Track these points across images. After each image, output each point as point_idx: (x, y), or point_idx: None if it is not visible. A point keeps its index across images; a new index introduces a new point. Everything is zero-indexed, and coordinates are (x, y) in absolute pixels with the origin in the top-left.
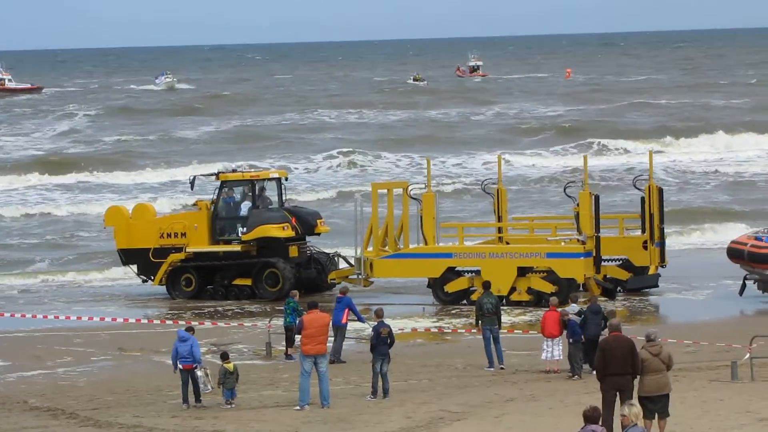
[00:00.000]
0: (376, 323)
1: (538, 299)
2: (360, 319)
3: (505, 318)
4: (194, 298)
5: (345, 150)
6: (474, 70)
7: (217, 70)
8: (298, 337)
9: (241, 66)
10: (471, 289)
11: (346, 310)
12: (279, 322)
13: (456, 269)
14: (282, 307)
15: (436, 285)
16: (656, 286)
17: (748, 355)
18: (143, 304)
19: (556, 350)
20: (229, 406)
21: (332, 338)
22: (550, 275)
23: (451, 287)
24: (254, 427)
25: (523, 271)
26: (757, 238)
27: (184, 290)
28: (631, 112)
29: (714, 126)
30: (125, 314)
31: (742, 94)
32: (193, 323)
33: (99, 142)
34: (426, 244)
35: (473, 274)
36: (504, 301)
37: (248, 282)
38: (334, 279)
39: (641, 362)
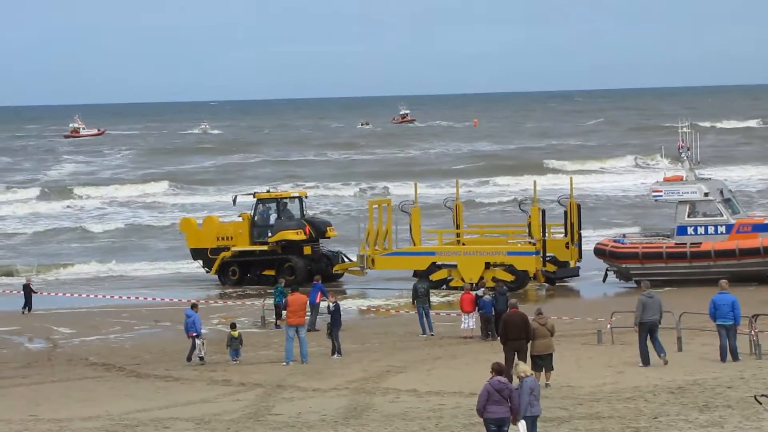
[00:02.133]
0: (334, 302)
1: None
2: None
3: (433, 299)
4: (236, 285)
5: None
6: (404, 117)
7: (228, 120)
8: (284, 312)
9: (245, 117)
10: (449, 278)
11: (319, 293)
12: (270, 301)
13: (437, 263)
14: (272, 291)
15: (424, 274)
16: (577, 275)
17: (609, 326)
18: (181, 288)
19: (471, 322)
20: (234, 362)
21: (309, 314)
22: (509, 268)
23: (435, 277)
24: (253, 377)
25: (488, 265)
26: (615, 241)
27: (231, 278)
28: (522, 150)
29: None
30: (160, 295)
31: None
32: (208, 302)
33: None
34: (414, 245)
35: (450, 267)
36: (474, 286)
37: (273, 272)
38: (338, 271)
39: (533, 330)
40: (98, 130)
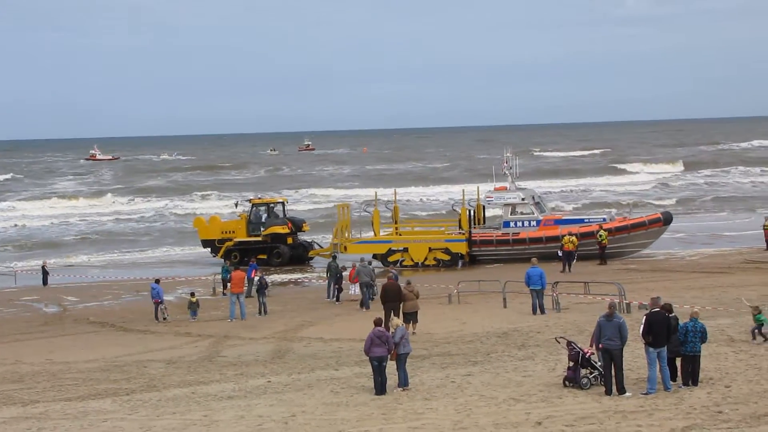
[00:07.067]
0: (260, 276)
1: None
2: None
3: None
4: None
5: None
6: (307, 146)
7: (191, 150)
8: (228, 284)
9: (199, 147)
10: (401, 259)
11: (254, 270)
12: (219, 276)
13: (394, 249)
14: (219, 269)
15: (383, 257)
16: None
17: (456, 290)
18: (165, 267)
19: (356, 289)
20: (193, 320)
21: (246, 285)
22: (446, 251)
23: (391, 258)
24: (207, 331)
25: (430, 249)
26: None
27: (233, 261)
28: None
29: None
30: (144, 275)
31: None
32: (174, 278)
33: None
34: (375, 236)
35: (402, 251)
36: (420, 265)
37: (264, 256)
38: (312, 255)
39: (404, 295)
40: (112, 156)
